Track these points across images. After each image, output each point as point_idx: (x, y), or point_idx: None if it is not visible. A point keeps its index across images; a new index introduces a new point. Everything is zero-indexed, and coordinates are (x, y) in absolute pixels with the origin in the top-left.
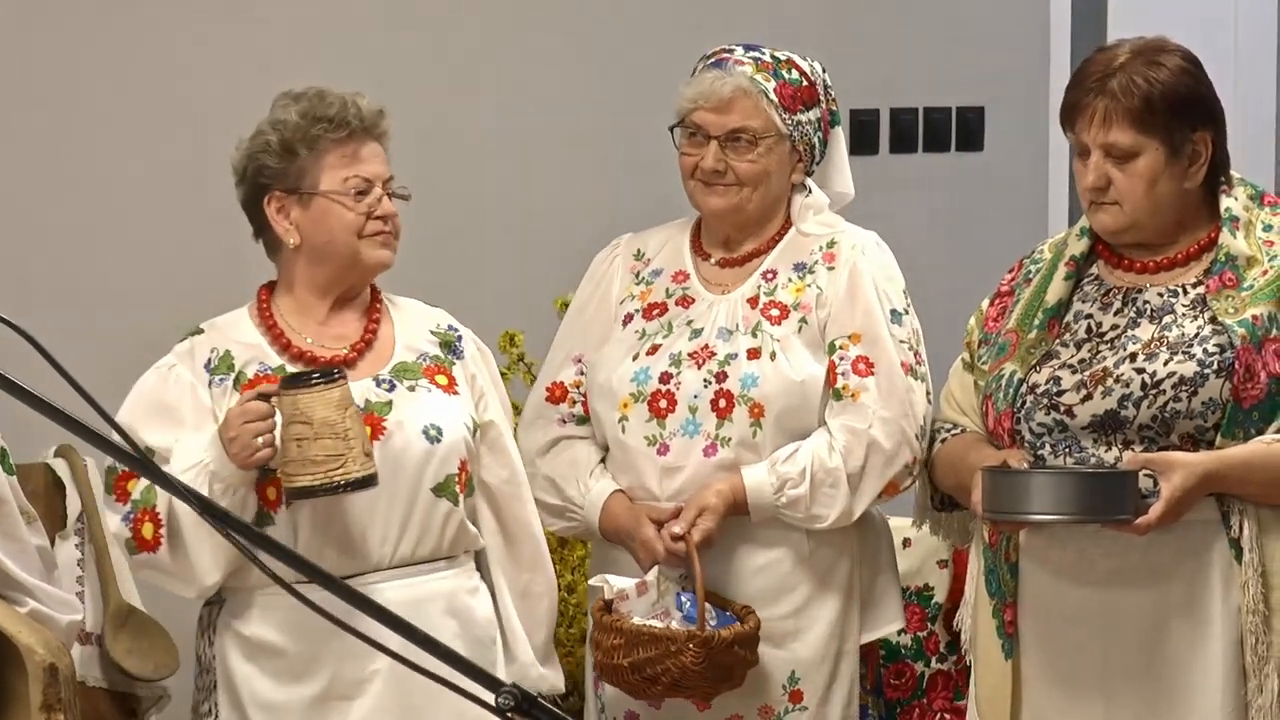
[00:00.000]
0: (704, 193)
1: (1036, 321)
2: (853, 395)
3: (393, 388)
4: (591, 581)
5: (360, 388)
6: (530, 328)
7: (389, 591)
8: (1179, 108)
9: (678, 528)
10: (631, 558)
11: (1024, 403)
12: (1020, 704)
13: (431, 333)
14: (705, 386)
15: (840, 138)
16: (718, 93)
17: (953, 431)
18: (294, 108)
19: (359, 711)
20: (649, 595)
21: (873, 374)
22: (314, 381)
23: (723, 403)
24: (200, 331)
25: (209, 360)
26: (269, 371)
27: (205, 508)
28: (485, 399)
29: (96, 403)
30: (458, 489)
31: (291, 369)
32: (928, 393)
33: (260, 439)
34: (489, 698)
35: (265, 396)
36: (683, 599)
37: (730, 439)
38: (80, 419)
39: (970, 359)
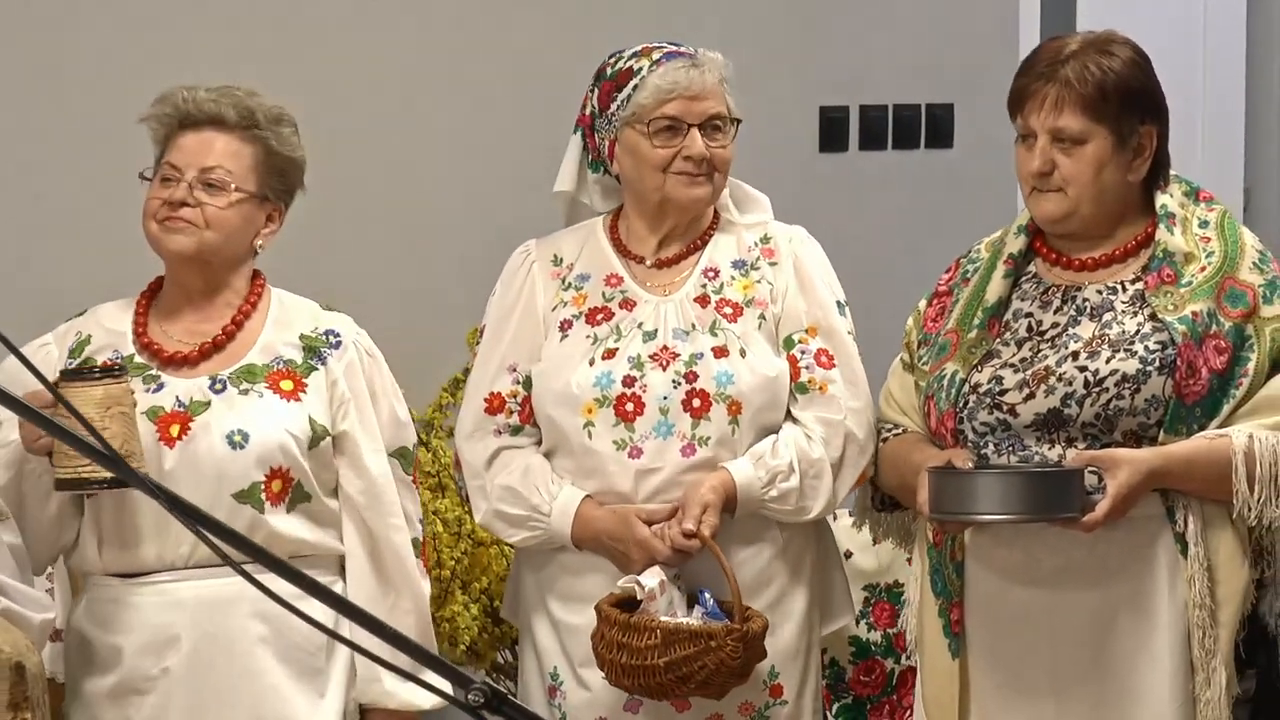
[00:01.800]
0: (684, 184)
1: (976, 321)
2: (820, 388)
3: (223, 389)
4: (621, 583)
5: (192, 386)
6: None
7: (184, 590)
8: (1130, 98)
9: (689, 524)
10: (599, 563)
11: (966, 402)
12: (969, 703)
13: (301, 336)
14: (675, 387)
15: None
16: (701, 81)
17: (894, 431)
18: (159, 97)
19: (150, 706)
20: (666, 595)
21: (835, 366)
22: (78, 377)
23: (697, 402)
24: (83, 313)
25: (73, 343)
26: (119, 359)
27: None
28: (346, 408)
29: (55, 390)
30: (264, 497)
31: (140, 359)
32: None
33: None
34: (454, 693)
35: (52, 387)
36: (705, 596)
37: (709, 438)
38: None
39: (910, 359)
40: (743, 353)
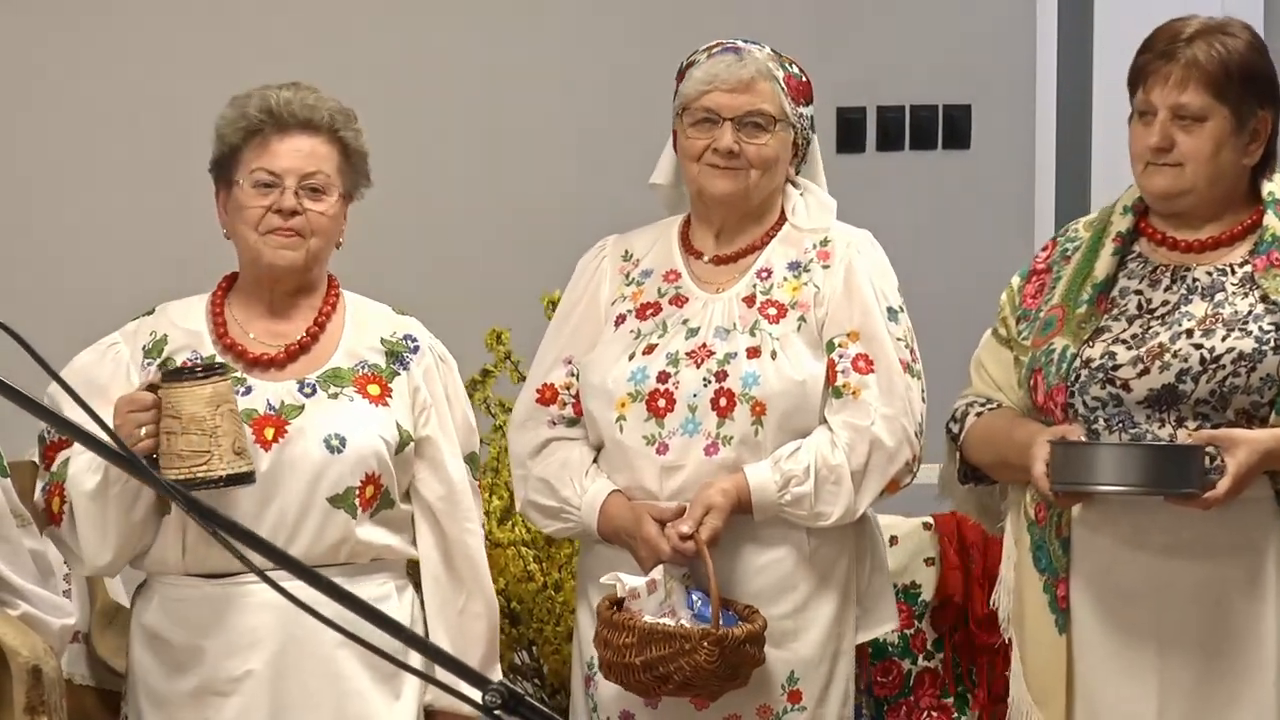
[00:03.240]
0: (712, 175)
1: (1085, 296)
2: (854, 393)
3: (313, 393)
4: (603, 579)
5: (281, 389)
6: (517, 325)
7: (270, 593)
8: (1251, 81)
9: (685, 526)
10: (625, 556)
11: (1078, 376)
12: (1074, 678)
13: (382, 340)
14: (705, 385)
15: (816, 144)
16: (737, 74)
17: (987, 406)
18: (233, 102)
19: (232, 709)
20: (657, 594)
21: (873, 372)
22: (184, 377)
23: (723, 401)
24: (151, 312)
25: (147, 343)
26: (199, 360)
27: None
28: (427, 413)
29: (80, 397)
30: (357, 502)
31: (222, 360)
32: (923, 390)
33: (144, 429)
34: (476, 695)
35: (153, 388)
36: (693, 597)
37: (732, 438)
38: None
39: (1006, 334)
40: (774, 355)
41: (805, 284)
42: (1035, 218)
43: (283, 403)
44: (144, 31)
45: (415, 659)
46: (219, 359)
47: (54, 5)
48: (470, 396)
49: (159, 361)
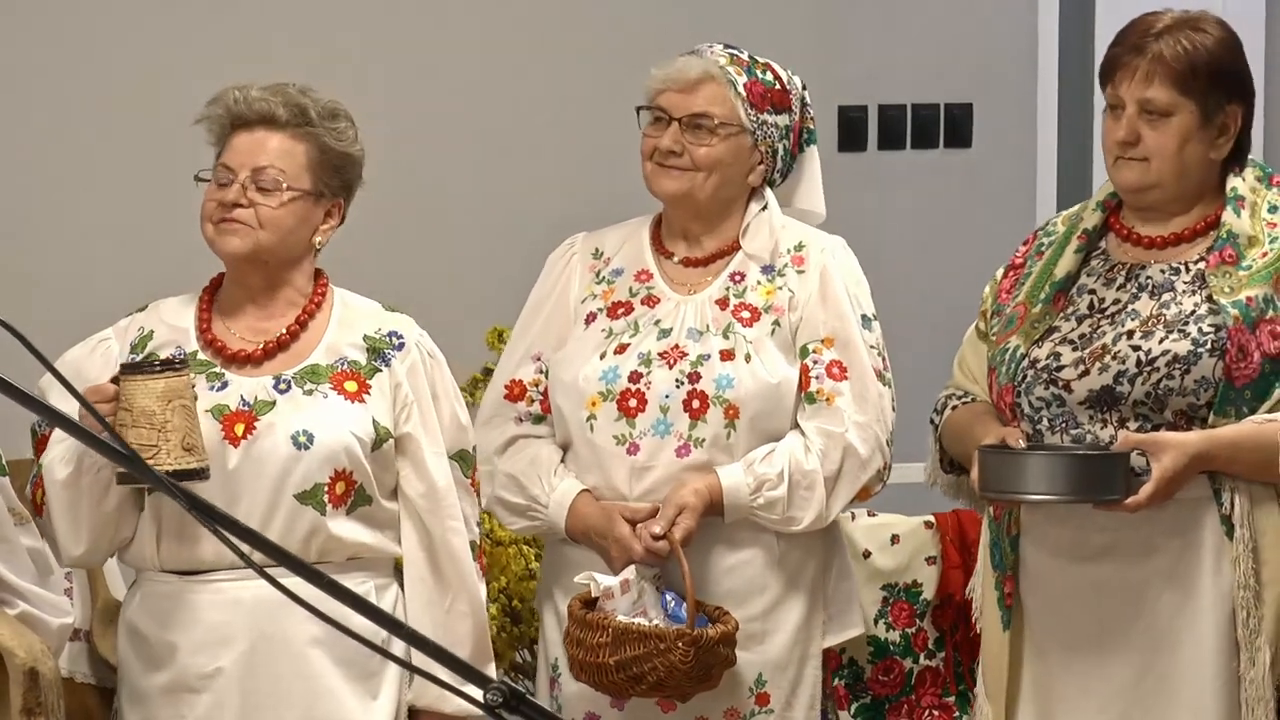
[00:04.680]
0: (658, 174)
1: (1043, 295)
2: (827, 399)
3: (287, 389)
4: (578, 579)
5: (256, 385)
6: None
7: (242, 590)
8: (1219, 76)
9: (658, 527)
10: (592, 556)
11: (1024, 377)
12: (1020, 674)
13: (365, 337)
14: (677, 387)
15: (814, 157)
16: (685, 74)
17: (963, 399)
18: (207, 105)
19: (203, 705)
20: (630, 594)
21: (846, 378)
22: (138, 370)
23: (696, 403)
24: (144, 309)
25: (135, 338)
26: (182, 355)
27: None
28: (409, 410)
29: (74, 388)
30: (326, 499)
31: (203, 356)
32: (893, 398)
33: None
34: (477, 694)
35: (117, 380)
36: (667, 598)
37: (704, 440)
38: (64, 413)
39: (984, 328)
40: (748, 358)
41: (779, 288)
42: (1037, 217)
43: (256, 398)
44: (145, 29)
45: (399, 654)
46: (200, 356)
47: (53, 3)
48: (471, 395)
49: (143, 356)
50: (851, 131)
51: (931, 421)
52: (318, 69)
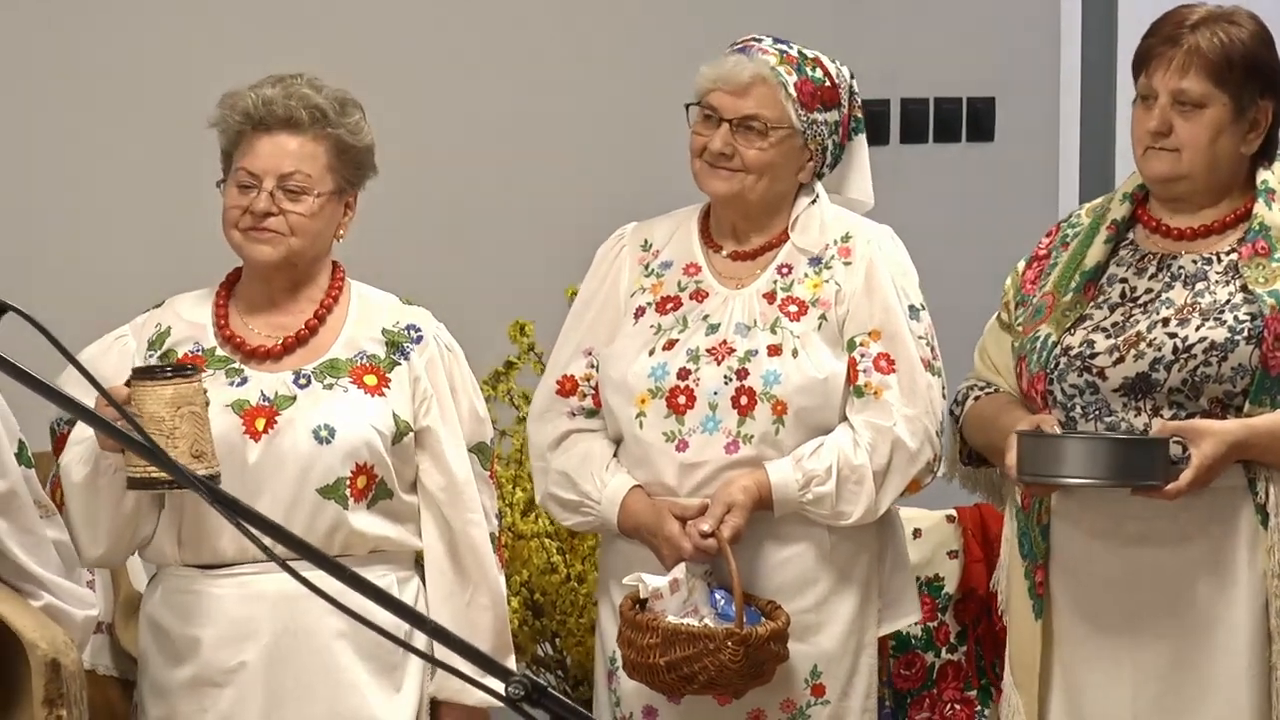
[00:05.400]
0: (708, 174)
1: (1073, 284)
2: (875, 393)
3: (307, 384)
4: (626, 580)
5: (276, 380)
6: (540, 317)
7: (265, 583)
8: (1253, 70)
9: (706, 525)
10: (645, 552)
11: (1057, 364)
12: (1050, 663)
13: (383, 331)
14: (725, 383)
15: (863, 145)
16: (736, 76)
17: (986, 390)
18: (221, 102)
19: (227, 700)
20: (680, 593)
21: (894, 371)
22: (149, 375)
23: (744, 400)
24: (160, 305)
25: (152, 335)
26: (200, 352)
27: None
28: (428, 404)
29: (103, 387)
30: (349, 493)
31: (222, 353)
32: (943, 388)
33: (117, 424)
34: (499, 686)
35: (129, 384)
36: (716, 596)
37: (752, 436)
38: (85, 405)
39: (1007, 318)
40: (795, 353)
41: (826, 281)
42: (1059, 210)
43: (276, 394)
44: (164, 24)
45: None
46: (219, 352)
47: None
48: (493, 389)
49: (161, 353)
50: (874, 125)
51: (951, 413)
52: (342, 61)
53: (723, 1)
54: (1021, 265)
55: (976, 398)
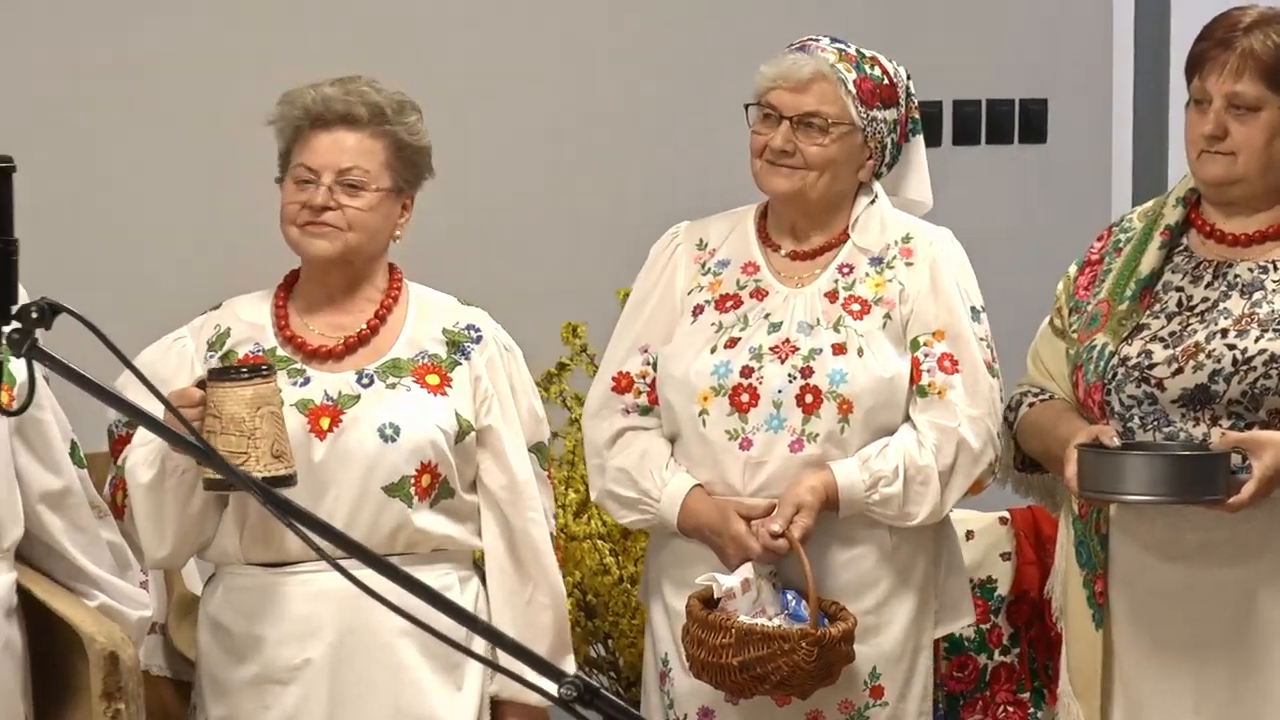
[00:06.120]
0: (769, 173)
1: (1128, 292)
2: (939, 393)
3: (370, 383)
4: (699, 579)
5: (339, 380)
6: (593, 319)
7: (329, 581)
8: None
9: (776, 525)
10: (706, 551)
11: (1115, 375)
12: (1111, 673)
13: (444, 331)
14: (790, 381)
15: (920, 146)
16: (796, 73)
17: (1039, 396)
18: (281, 100)
19: (291, 697)
20: (749, 593)
21: (958, 371)
22: (227, 377)
23: (809, 398)
24: (218, 307)
25: (211, 336)
26: (260, 353)
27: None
28: (489, 403)
29: (157, 390)
30: (413, 491)
31: (283, 353)
32: (1001, 390)
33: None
34: (551, 688)
35: (202, 384)
36: (787, 596)
37: (818, 435)
38: (140, 406)
39: (1060, 323)
40: (860, 352)
41: (889, 280)
42: (1112, 212)
43: (340, 393)
44: (223, 29)
45: (482, 648)
46: (279, 352)
47: (135, 4)
48: (546, 390)
49: (221, 354)
50: (926, 126)
51: (1005, 419)
52: (397, 63)
53: (776, 6)
54: (1073, 269)
55: (1030, 404)
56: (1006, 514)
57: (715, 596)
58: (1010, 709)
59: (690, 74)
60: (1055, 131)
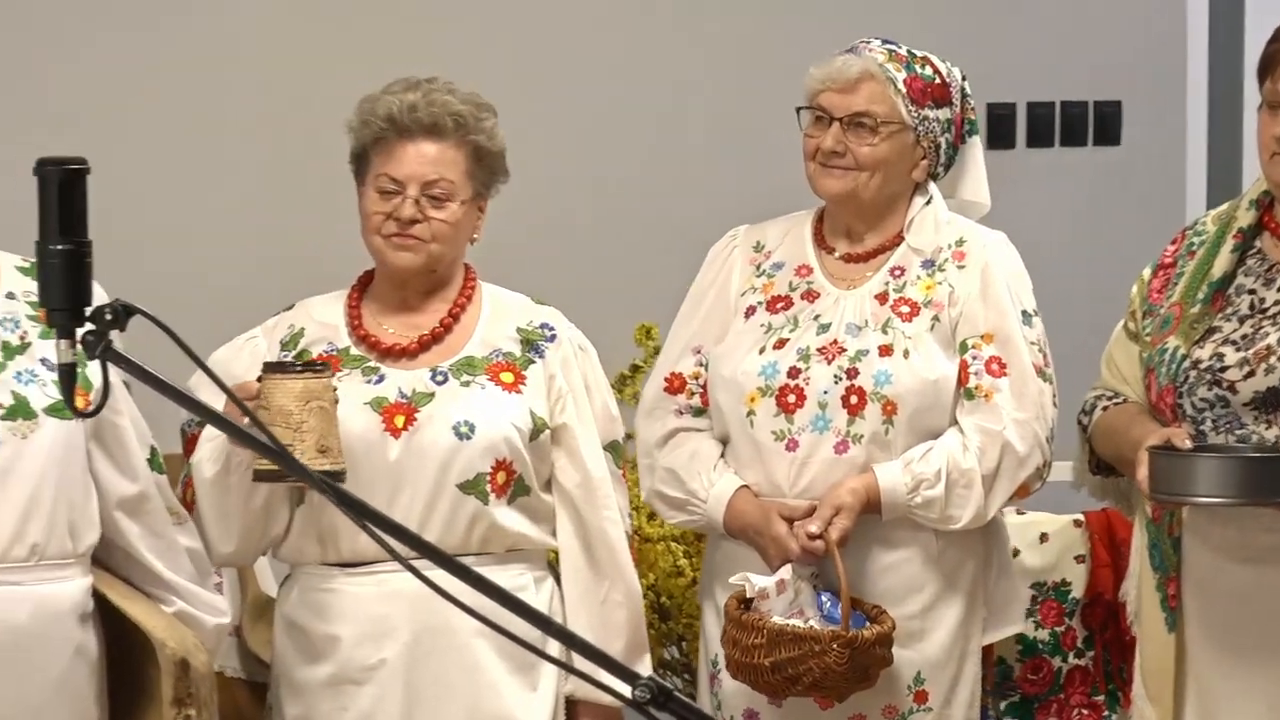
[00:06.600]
0: (821, 174)
1: (1200, 295)
2: (986, 396)
3: (445, 381)
4: (733, 579)
5: (413, 378)
6: (666, 320)
7: (404, 581)
8: None
9: (814, 526)
10: (750, 553)
11: (1186, 378)
12: (1185, 676)
13: (518, 329)
14: (836, 382)
15: (977, 147)
16: (845, 74)
17: (1113, 400)
18: (361, 104)
19: (367, 698)
20: (786, 594)
21: (1006, 375)
22: (279, 369)
23: (854, 399)
24: (291, 307)
25: (285, 336)
26: (334, 352)
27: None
28: (564, 401)
29: (226, 386)
30: (489, 488)
31: (357, 352)
32: (1054, 395)
33: (245, 419)
34: (625, 690)
35: (261, 379)
36: (823, 598)
37: (862, 436)
38: (211, 407)
39: (1134, 327)
40: (907, 354)
41: (940, 283)
42: (1185, 215)
43: (414, 391)
44: (289, 28)
45: (556, 649)
46: (353, 351)
47: (208, 4)
48: (619, 391)
49: (295, 353)
50: (1000, 129)
51: (1079, 422)
52: (473, 63)
53: (845, 4)
54: (1147, 273)
55: (1105, 408)
56: (1081, 516)
57: (748, 596)
58: (1085, 712)
59: (773, 76)
60: (1129, 134)
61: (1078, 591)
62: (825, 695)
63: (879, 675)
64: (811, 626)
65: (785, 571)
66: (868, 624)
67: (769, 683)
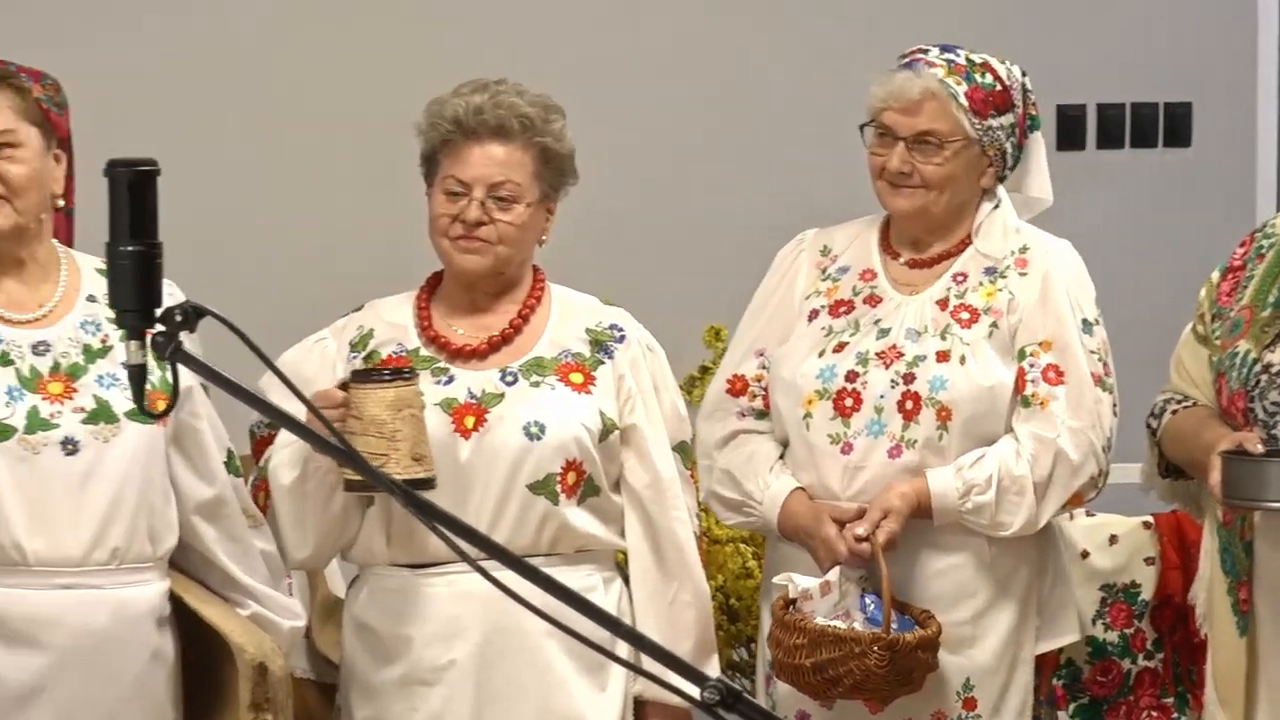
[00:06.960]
0: (890, 193)
1: (1271, 299)
2: (1041, 403)
3: (514, 381)
4: (776, 580)
5: (482, 378)
6: (735, 322)
7: (475, 582)
8: None
9: (861, 529)
10: (807, 555)
11: (1258, 382)
12: (1256, 680)
13: (587, 330)
14: (892, 387)
15: (1040, 143)
16: (907, 94)
17: (1183, 403)
18: (429, 107)
19: (438, 698)
20: (831, 595)
21: (1063, 383)
22: (369, 378)
23: (909, 404)
24: (360, 309)
25: (354, 337)
26: (403, 353)
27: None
28: (633, 402)
29: (299, 391)
30: (559, 488)
31: (426, 353)
32: (1114, 404)
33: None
34: (694, 691)
35: (344, 386)
36: (866, 601)
37: (916, 441)
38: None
39: (1203, 330)
40: (963, 360)
41: (1000, 290)
42: (1256, 216)
43: (484, 391)
44: (361, 32)
45: (625, 650)
46: (423, 352)
47: (277, 13)
48: (688, 393)
49: (364, 355)
50: (1070, 130)
51: (1149, 426)
52: (542, 66)
53: (915, 5)
54: (1216, 276)
55: (1174, 411)
56: (1150, 518)
57: (791, 597)
58: (1154, 714)
59: (840, 79)
60: (1200, 135)
61: (1147, 593)
62: (867, 697)
63: (922, 680)
64: (854, 628)
65: (833, 573)
66: (914, 628)
67: (810, 683)
